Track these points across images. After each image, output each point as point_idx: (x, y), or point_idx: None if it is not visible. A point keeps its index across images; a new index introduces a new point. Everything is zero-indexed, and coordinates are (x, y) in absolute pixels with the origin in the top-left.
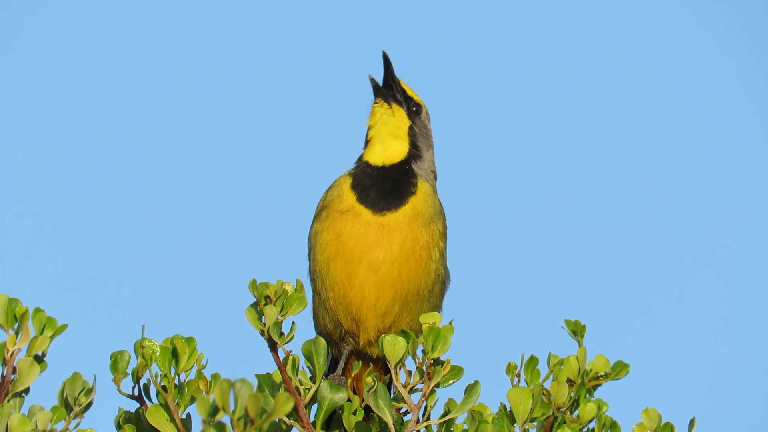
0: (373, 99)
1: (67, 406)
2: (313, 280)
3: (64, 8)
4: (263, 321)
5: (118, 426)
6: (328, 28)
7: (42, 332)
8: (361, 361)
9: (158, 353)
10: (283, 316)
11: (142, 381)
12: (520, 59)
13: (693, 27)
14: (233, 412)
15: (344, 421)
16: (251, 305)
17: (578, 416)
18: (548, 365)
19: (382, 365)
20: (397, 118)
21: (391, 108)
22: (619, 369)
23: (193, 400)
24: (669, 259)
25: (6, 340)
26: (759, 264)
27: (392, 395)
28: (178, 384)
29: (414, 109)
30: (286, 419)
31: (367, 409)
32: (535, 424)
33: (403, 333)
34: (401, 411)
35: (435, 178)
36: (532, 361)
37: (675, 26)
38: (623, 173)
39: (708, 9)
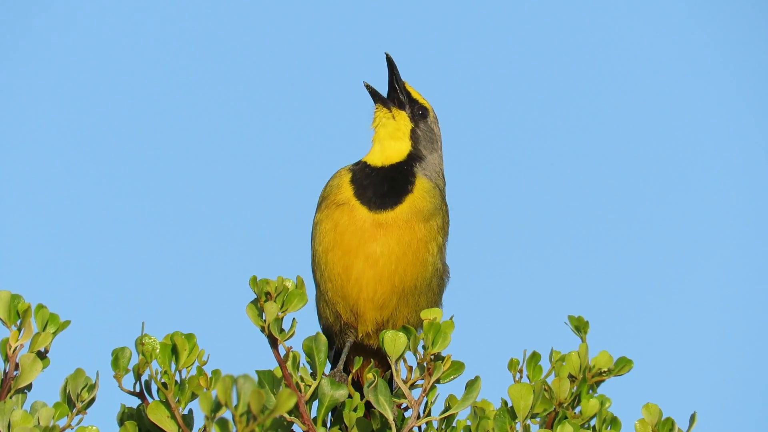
0: (374, 104)
1: (70, 402)
2: (313, 272)
3: (64, 8)
4: (264, 317)
5: (120, 423)
6: (339, 27)
7: (44, 328)
8: (362, 357)
9: (158, 350)
10: (283, 312)
11: (143, 378)
12: (521, 59)
13: (693, 27)
14: (236, 407)
15: (344, 418)
16: (252, 302)
17: (580, 412)
18: (550, 361)
19: (382, 358)
20: (398, 121)
21: (391, 112)
22: (622, 365)
23: (193, 396)
24: (672, 255)
25: (8, 336)
26: (761, 260)
27: (393, 391)
28: (178, 381)
29: (420, 113)
30: (287, 415)
31: (368, 405)
32: (537, 419)
33: (404, 328)
34: (402, 407)
35: (443, 179)
36: (534, 357)
37: (675, 26)
38: (627, 169)
39: (708, 9)
